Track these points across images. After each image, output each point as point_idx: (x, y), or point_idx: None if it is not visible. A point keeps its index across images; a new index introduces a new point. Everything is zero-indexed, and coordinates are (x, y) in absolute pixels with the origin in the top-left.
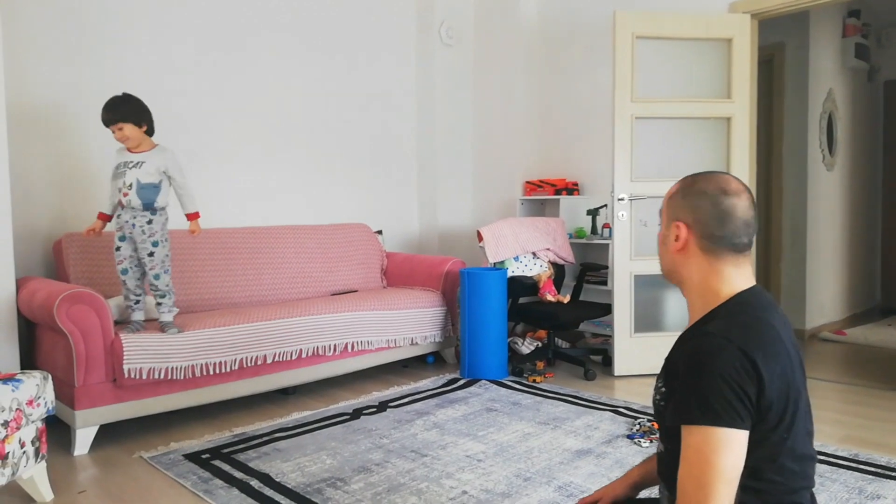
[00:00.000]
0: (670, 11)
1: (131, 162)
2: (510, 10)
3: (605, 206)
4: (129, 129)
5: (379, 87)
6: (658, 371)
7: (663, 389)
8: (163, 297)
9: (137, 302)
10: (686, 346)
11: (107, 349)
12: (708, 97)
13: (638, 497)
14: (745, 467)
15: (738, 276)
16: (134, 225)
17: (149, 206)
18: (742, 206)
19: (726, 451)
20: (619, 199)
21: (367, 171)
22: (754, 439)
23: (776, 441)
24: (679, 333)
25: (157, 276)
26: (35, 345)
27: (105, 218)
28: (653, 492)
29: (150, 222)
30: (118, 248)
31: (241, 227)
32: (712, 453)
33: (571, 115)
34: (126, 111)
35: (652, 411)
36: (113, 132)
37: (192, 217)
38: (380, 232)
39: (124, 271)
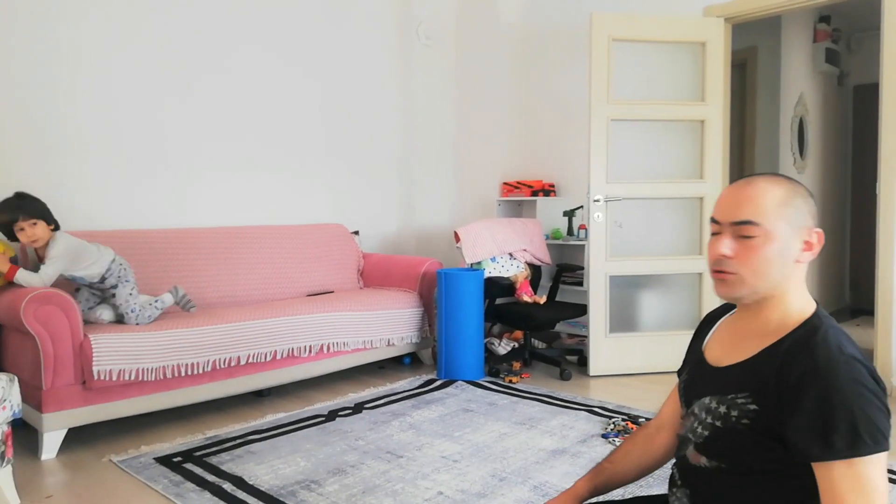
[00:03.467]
0: (646, 14)
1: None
2: (488, 12)
3: (581, 207)
4: (41, 229)
5: (357, 87)
6: (635, 371)
7: (752, 407)
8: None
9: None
10: (826, 371)
11: (76, 351)
12: (682, 100)
13: (646, 496)
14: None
15: None
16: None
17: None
18: None
19: (885, 473)
20: (595, 201)
21: (344, 172)
22: None
23: None
24: (656, 334)
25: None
26: (1, 347)
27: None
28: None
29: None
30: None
31: (215, 226)
32: (882, 480)
33: (549, 117)
34: (34, 209)
35: (625, 412)
36: (17, 234)
37: (11, 273)
38: (356, 232)
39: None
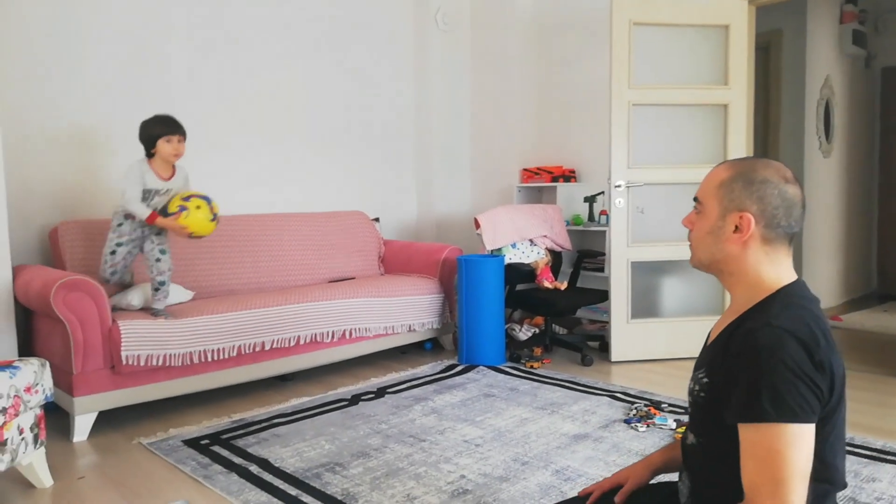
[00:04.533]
0: None
1: (161, 191)
2: None
3: (602, 193)
4: (184, 147)
5: (376, 73)
6: (657, 356)
7: (705, 380)
8: (162, 283)
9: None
10: (746, 338)
11: (104, 336)
12: (705, 84)
13: (663, 482)
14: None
15: (788, 265)
16: (144, 234)
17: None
18: (800, 195)
19: (802, 446)
20: (616, 187)
21: (364, 159)
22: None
23: (835, 433)
24: (678, 319)
25: (162, 282)
26: (32, 333)
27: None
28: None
29: (159, 233)
30: (113, 252)
31: (238, 214)
32: (788, 449)
33: (568, 102)
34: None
35: (647, 398)
36: (163, 145)
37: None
38: (377, 219)
39: (113, 273)
